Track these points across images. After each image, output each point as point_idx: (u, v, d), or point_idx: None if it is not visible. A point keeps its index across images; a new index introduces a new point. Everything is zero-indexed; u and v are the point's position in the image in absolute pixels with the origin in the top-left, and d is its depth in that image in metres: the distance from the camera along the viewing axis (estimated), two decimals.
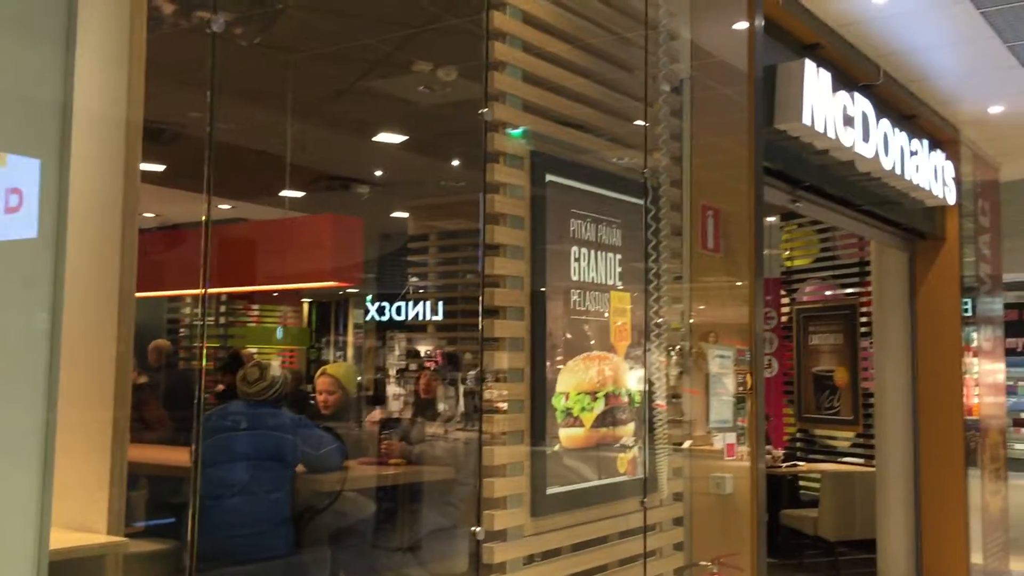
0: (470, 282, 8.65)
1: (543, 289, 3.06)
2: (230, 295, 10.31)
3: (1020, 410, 15.71)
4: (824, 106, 4.52)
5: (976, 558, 6.61)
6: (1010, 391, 14.88)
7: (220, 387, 6.11)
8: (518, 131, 3.02)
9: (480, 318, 2.88)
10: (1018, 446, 15.24)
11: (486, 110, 2.88)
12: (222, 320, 11.39)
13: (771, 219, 8.13)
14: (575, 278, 3.22)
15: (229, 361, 7.08)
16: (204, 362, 4.38)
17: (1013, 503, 7.97)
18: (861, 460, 7.79)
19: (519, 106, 3.02)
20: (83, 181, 2.40)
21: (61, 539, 2.15)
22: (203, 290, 2.42)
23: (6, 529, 1.56)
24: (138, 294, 2.44)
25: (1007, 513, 7.64)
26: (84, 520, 2.30)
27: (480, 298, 2.88)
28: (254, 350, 10.62)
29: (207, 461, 3.92)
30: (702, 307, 4.14)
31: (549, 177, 3.11)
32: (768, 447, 7.57)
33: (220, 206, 7.73)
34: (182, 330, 10.83)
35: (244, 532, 3.91)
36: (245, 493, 3.96)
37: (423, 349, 10.45)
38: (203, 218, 2.51)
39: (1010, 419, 14.05)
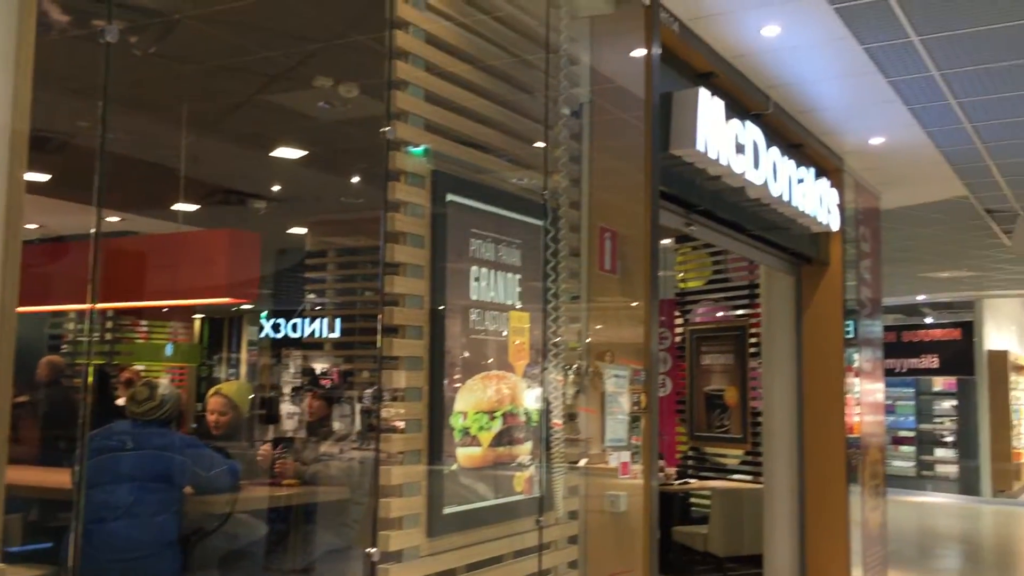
0: (368, 300, 8.57)
1: (442, 308, 3.06)
2: (117, 310, 9.96)
3: (898, 428, 16.42)
4: (717, 133, 4.67)
5: (857, 572, 6.86)
6: (889, 410, 15.54)
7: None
8: (419, 150, 3.02)
9: (379, 336, 2.86)
10: (896, 463, 15.92)
11: (389, 128, 2.88)
12: (108, 336, 10.98)
13: (666, 241, 8.32)
14: (474, 297, 3.23)
15: (94, 379, 6.81)
16: (90, 380, 4.22)
17: (891, 518, 8.31)
18: (749, 477, 8.01)
19: (421, 125, 3.03)
20: None
21: None
22: (90, 305, 2.34)
23: None
24: (20, 309, 2.34)
25: (886, 528, 7.96)
26: None
27: (379, 316, 2.87)
28: (141, 367, 10.28)
29: (90, 482, 3.78)
30: (599, 327, 4.21)
31: (450, 196, 3.13)
32: (661, 465, 7.71)
33: (109, 218, 7.47)
34: (65, 346, 10.41)
35: (128, 556, 3.78)
36: (129, 515, 3.82)
37: (319, 367, 10.31)
38: (92, 230, 2.43)
39: (889, 437, 14.68)
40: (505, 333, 3.38)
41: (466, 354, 3.17)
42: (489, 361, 3.29)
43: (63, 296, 5.29)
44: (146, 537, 3.85)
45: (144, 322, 11.78)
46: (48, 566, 3.85)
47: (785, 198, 5.56)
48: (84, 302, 2.48)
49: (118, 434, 4.00)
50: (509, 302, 3.41)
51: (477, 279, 3.24)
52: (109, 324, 10.79)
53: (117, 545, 3.76)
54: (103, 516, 3.77)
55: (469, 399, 3.15)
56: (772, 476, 6.94)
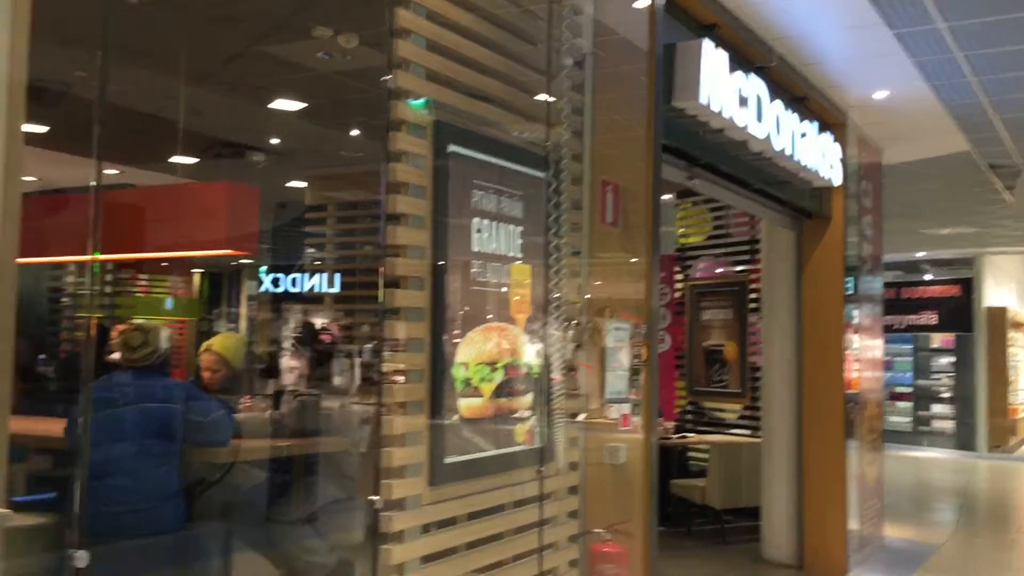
0: (368, 254, 8.55)
1: (444, 260, 3.05)
2: (117, 264, 9.96)
3: (896, 384, 16.50)
4: (720, 86, 4.62)
5: (853, 524, 6.94)
6: (887, 366, 15.61)
7: None
8: (421, 100, 2.99)
9: (381, 288, 2.86)
10: (893, 419, 16.02)
11: (390, 77, 2.85)
12: (108, 290, 10.99)
13: (666, 196, 8.29)
14: (476, 249, 3.23)
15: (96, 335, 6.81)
16: (92, 333, 4.19)
17: (887, 473, 8.38)
18: (748, 432, 8.06)
19: (422, 75, 3.00)
20: None
21: None
22: (92, 257, 2.34)
23: None
24: (20, 260, 2.34)
25: (882, 482, 8.03)
26: None
27: (381, 268, 2.86)
28: (141, 321, 10.29)
29: (91, 439, 3.78)
30: (599, 282, 4.20)
31: (452, 147, 3.10)
32: (659, 419, 7.76)
33: (107, 171, 7.43)
34: (65, 299, 10.42)
35: (131, 508, 3.79)
36: (131, 470, 3.83)
37: (319, 321, 10.32)
38: (92, 183, 2.41)
39: (886, 393, 14.75)
40: (506, 286, 3.37)
41: (467, 306, 3.17)
42: (490, 314, 3.29)
43: (63, 248, 5.27)
44: (148, 490, 3.86)
45: (143, 276, 11.79)
46: (52, 515, 3.87)
47: (788, 152, 5.53)
48: (84, 254, 2.47)
49: (118, 385, 3.99)
50: (511, 254, 3.40)
51: (479, 231, 3.23)
52: (108, 278, 10.80)
53: (121, 499, 3.78)
54: (106, 471, 3.78)
55: (470, 350, 3.16)
56: (771, 431, 6.99)
